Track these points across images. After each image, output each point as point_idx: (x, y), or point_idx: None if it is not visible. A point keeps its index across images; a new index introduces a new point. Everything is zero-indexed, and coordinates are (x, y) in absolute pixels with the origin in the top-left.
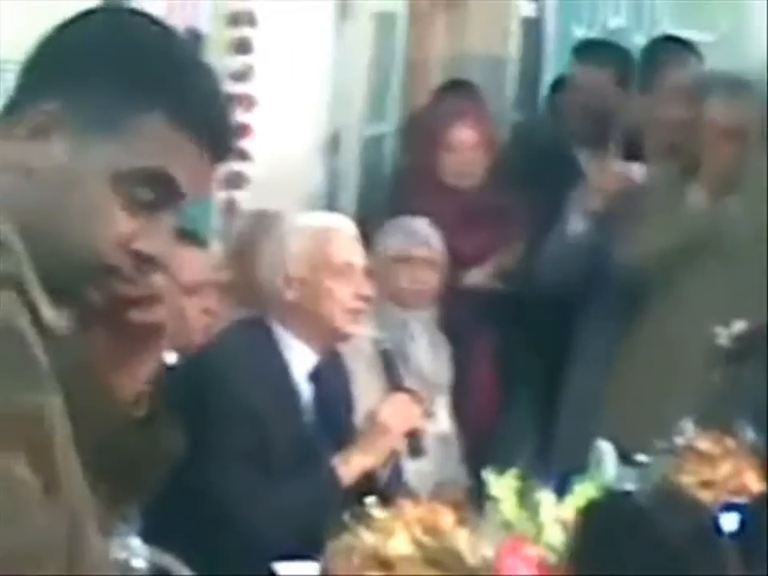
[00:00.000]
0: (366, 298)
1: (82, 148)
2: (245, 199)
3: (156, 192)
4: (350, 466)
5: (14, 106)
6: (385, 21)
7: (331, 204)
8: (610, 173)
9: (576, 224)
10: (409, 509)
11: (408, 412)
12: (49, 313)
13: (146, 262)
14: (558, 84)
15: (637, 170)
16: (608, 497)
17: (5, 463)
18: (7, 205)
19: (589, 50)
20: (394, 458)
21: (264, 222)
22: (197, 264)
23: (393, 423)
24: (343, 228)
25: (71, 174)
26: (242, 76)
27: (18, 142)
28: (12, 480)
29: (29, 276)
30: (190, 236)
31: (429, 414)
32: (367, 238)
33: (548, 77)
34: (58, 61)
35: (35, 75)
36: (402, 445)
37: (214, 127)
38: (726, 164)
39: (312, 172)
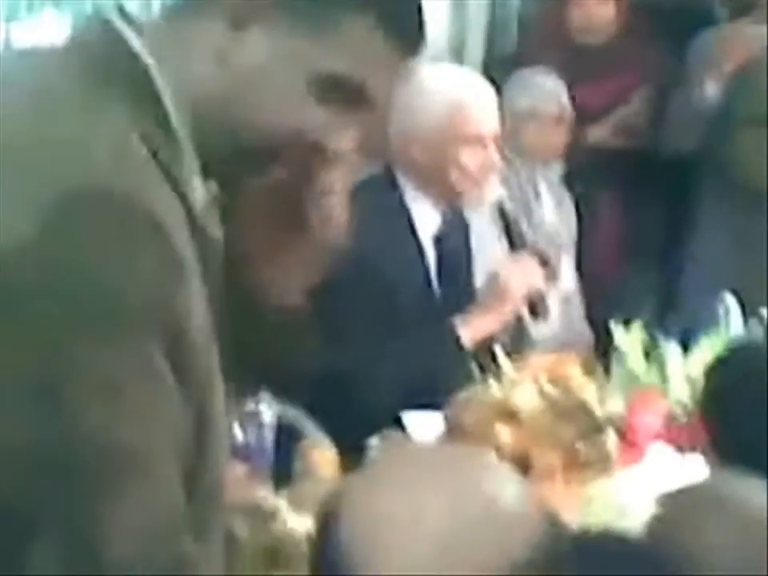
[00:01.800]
0: (492, 170)
1: (282, 46)
2: None
3: (348, 97)
4: (471, 329)
5: None
6: None
7: (458, 54)
8: (744, 38)
9: (709, 88)
10: (535, 359)
11: (530, 274)
12: (201, 206)
13: (325, 160)
14: None
15: None
16: (738, 348)
17: (146, 353)
18: (195, 89)
19: None
20: (516, 321)
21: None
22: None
23: (514, 286)
24: (480, 94)
25: (268, 71)
26: None
27: (214, 27)
28: (151, 372)
29: (187, 166)
30: None
31: (553, 276)
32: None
33: None
34: None
35: None
36: (524, 307)
37: (412, 32)
38: None
39: (440, 19)
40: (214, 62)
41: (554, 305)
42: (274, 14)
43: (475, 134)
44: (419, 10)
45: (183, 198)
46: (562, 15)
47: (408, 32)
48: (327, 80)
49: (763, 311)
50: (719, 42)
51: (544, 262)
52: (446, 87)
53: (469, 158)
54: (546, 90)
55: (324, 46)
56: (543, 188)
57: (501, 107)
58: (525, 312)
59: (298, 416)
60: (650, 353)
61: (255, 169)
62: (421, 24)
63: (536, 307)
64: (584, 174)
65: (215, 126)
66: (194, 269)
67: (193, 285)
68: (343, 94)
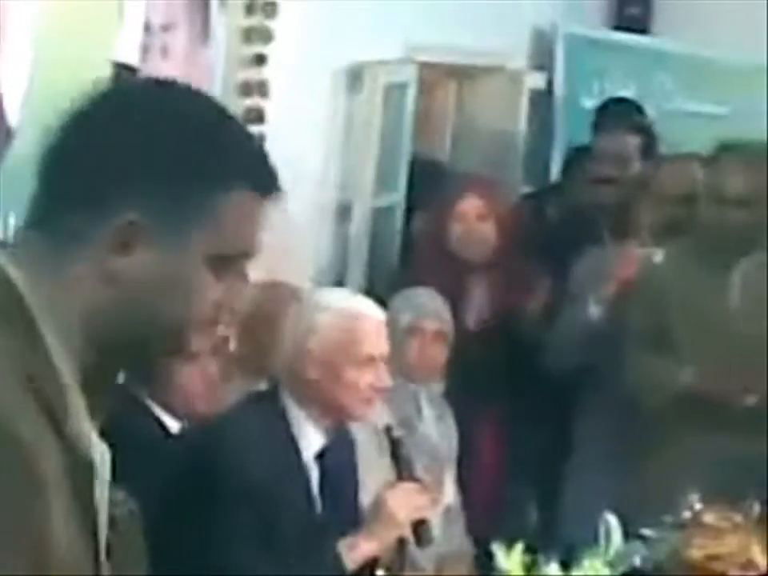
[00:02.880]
0: (383, 390)
1: (171, 247)
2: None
3: (240, 258)
4: (355, 552)
5: (68, 213)
6: (395, 91)
7: (340, 274)
8: (630, 260)
9: (593, 308)
10: None
11: (416, 502)
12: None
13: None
14: (579, 154)
15: (658, 256)
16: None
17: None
18: (83, 308)
19: (614, 115)
20: (399, 544)
21: (279, 294)
22: None
23: (400, 513)
24: (373, 316)
25: (163, 275)
26: None
27: (97, 253)
28: None
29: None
30: None
31: (437, 504)
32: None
33: (557, 148)
34: (113, 165)
35: (81, 183)
36: (408, 533)
37: (269, 177)
38: (738, 234)
39: (322, 242)
40: (103, 282)
41: (435, 522)
42: (150, 224)
43: (368, 355)
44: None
45: (56, 423)
46: (443, 230)
47: (269, 183)
48: (223, 253)
49: (645, 531)
50: (604, 262)
51: (428, 492)
52: (342, 309)
53: (360, 377)
54: (427, 307)
55: (210, 226)
56: (425, 404)
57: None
58: (410, 538)
59: None
60: (532, 572)
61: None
62: (275, 171)
63: (420, 534)
64: (467, 391)
65: (110, 332)
66: (59, 489)
67: (54, 507)
68: (235, 263)
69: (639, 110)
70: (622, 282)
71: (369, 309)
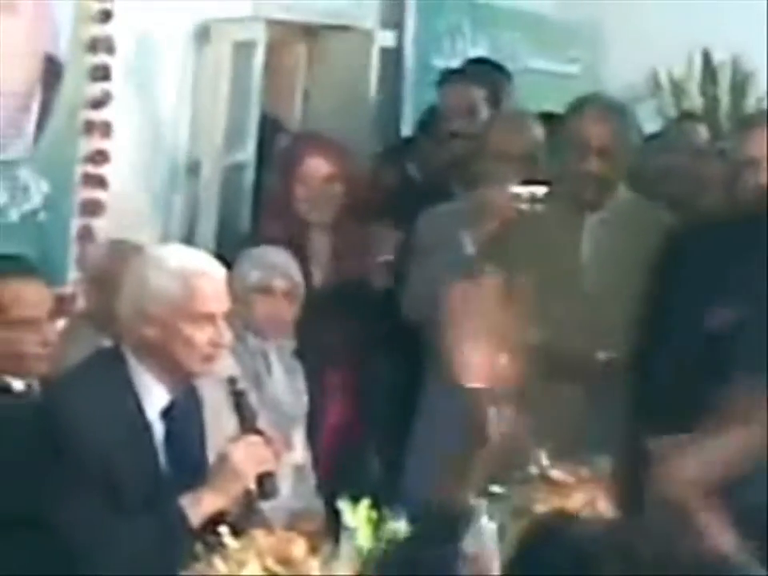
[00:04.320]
0: (222, 346)
1: None
2: (102, 227)
3: None
4: (200, 507)
5: None
6: (244, 49)
7: (190, 233)
8: (503, 199)
9: (468, 247)
10: (261, 538)
11: (260, 455)
12: None
13: None
14: (432, 112)
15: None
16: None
17: None
18: None
19: (458, 72)
20: (246, 499)
21: (122, 252)
22: (31, 298)
23: (244, 466)
24: (211, 273)
25: None
26: (100, 103)
27: None
28: None
29: None
30: (27, 271)
31: (281, 457)
32: (226, 266)
33: (408, 108)
34: None
35: None
36: (253, 486)
37: None
38: (594, 185)
39: (170, 200)
40: None
41: (284, 479)
42: None
43: (205, 312)
44: None
45: None
46: (288, 192)
47: None
48: None
49: (493, 488)
50: (478, 204)
51: (271, 445)
52: (177, 267)
53: (198, 334)
54: (276, 265)
55: None
56: (274, 362)
57: (232, 283)
58: (255, 492)
59: None
60: (379, 528)
61: None
62: None
63: (265, 487)
64: (318, 349)
65: None
66: None
67: None
68: None
69: (498, 67)
70: (503, 220)
71: (206, 265)
